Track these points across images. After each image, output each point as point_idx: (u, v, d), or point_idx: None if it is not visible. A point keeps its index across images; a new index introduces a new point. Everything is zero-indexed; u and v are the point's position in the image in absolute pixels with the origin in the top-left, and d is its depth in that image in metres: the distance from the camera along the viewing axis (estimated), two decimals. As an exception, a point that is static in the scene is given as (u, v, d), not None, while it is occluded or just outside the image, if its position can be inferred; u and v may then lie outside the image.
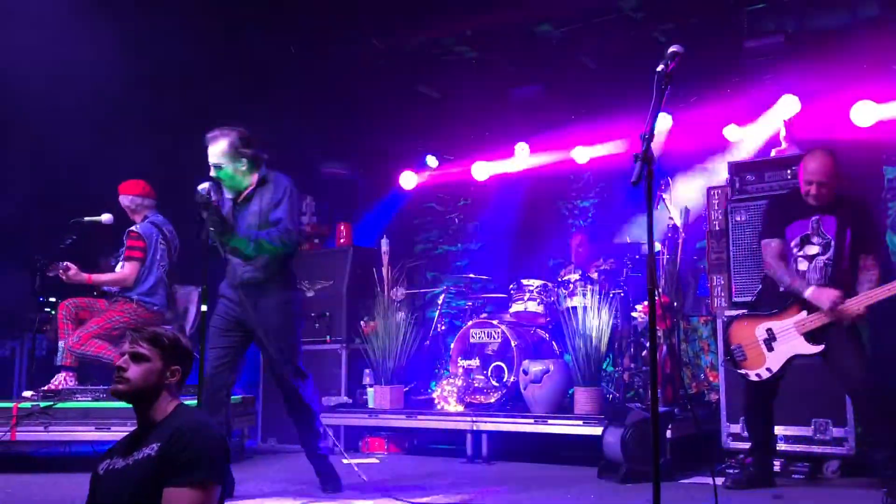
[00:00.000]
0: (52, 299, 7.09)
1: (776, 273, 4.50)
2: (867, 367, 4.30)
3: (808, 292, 4.32)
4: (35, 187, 7.25)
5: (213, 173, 4.36)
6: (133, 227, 5.83)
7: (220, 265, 4.66)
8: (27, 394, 5.76)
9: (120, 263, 5.81)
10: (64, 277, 5.64)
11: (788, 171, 5.16)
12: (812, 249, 4.45)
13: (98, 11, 6.44)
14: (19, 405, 5.44)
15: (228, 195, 4.48)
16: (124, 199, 5.90)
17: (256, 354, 6.10)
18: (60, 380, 5.68)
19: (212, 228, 4.21)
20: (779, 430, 4.80)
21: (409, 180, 9.04)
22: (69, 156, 7.04)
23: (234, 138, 4.38)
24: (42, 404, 5.43)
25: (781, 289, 4.47)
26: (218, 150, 4.37)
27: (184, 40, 6.77)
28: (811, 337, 4.33)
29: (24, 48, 6.34)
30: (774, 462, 4.78)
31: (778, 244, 4.54)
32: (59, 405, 5.45)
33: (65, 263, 5.61)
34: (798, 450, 4.92)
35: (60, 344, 5.68)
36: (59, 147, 7.05)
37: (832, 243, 4.42)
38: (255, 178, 4.47)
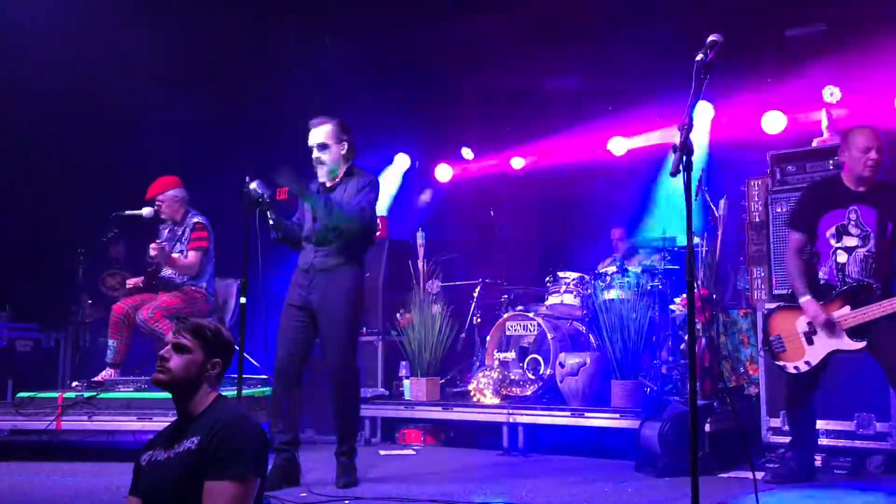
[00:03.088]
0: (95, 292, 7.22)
1: (788, 268, 4.52)
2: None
3: (801, 301, 4.33)
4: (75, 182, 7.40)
5: (315, 154, 4.64)
6: (198, 219, 5.93)
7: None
8: (73, 384, 5.87)
9: (184, 252, 5.86)
10: (154, 253, 5.61)
11: (830, 162, 5.06)
12: (851, 241, 4.32)
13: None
14: (64, 395, 5.56)
15: (323, 180, 4.69)
16: (177, 192, 5.97)
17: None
18: (107, 375, 5.78)
19: (271, 223, 4.47)
20: (820, 424, 4.72)
21: (444, 173, 9.04)
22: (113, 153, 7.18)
23: (338, 122, 4.71)
24: (86, 394, 5.53)
25: (821, 282, 4.40)
26: (322, 131, 4.67)
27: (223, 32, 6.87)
28: (854, 332, 4.22)
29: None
30: (816, 457, 4.70)
31: (799, 238, 4.47)
32: (102, 395, 5.55)
33: (163, 243, 5.68)
34: (840, 444, 4.83)
35: (111, 343, 5.76)
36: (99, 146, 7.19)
37: (871, 235, 4.28)
38: (345, 167, 4.72)
